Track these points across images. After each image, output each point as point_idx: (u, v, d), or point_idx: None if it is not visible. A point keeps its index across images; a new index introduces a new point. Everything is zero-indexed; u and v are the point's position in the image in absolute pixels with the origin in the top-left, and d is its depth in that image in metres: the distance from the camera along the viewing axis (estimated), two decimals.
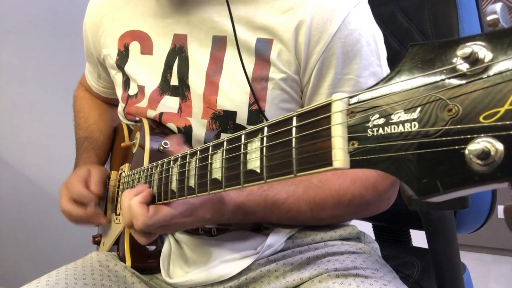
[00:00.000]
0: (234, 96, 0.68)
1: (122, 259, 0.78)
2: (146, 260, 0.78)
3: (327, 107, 0.32)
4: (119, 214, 0.84)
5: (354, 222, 0.86)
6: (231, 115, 0.68)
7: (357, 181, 0.66)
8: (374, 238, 1.09)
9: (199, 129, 0.71)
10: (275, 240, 0.70)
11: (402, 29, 0.91)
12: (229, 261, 0.70)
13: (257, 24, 0.67)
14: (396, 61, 1.00)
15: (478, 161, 0.22)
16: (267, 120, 0.67)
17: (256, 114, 0.68)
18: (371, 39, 0.66)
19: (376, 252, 0.76)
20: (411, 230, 1.05)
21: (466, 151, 0.23)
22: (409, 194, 0.28)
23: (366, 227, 0.95)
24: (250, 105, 0.68)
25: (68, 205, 0.83)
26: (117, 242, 0.84)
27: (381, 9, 0.93)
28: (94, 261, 0.78)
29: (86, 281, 0.71)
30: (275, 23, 0.66)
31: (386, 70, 0.69)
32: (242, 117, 0.68)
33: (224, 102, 0.69)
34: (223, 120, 0.69)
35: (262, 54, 0.67)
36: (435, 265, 0.69)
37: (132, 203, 0.57)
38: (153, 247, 0.78)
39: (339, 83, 0.66)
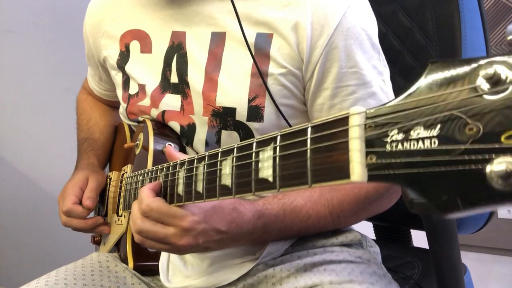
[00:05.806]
0: (233, 92, 0.68)
1: (124, 260, 0.78)
2: (148, 262, 0.77)
3: (344, 120, 0.32)
4: (121, 215, 0.83)
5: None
6: (231, 111, 0.68)
7: None
8: (375, 237, 1.09)
9: (202, 127, 0.71)
10: (275, 249, 0.69)
11: (403, 28, 0.90)
12: (229, 266, 0.69)
13: (256, 19, 0.67)
14: (397, 60, 0.99)
15: (500, 181, 0.23)
16: (271, 96, 0.66)
17: (256, 110, 0.67)
18: (371, 32, 0.67)
19: (377, 258, 0.75)
20: (411, 230, 1.05)
21: (487, 171, 0.23)
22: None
23: (366, 227, 0.95)
24: (249, 101, 0.67)
25: (65, 218, 0.84)
26: (118, 243, 0.84)
27: (382, 8, 0.92)
28: (94, 261, 0.78)
29: (86, 282, 0.71)
30: (275, 17, 0.66)
31: (384, 65, 0.69)
32: (241, 114, 0.68)
33: (223, 98, 0.68)
34: (223, 117, 0.69)
35: (261, 49, 0.67)
36: (436, 266, 0.69)
37: (142, 189, 0.58)
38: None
39: (343, 76, 0.65)
